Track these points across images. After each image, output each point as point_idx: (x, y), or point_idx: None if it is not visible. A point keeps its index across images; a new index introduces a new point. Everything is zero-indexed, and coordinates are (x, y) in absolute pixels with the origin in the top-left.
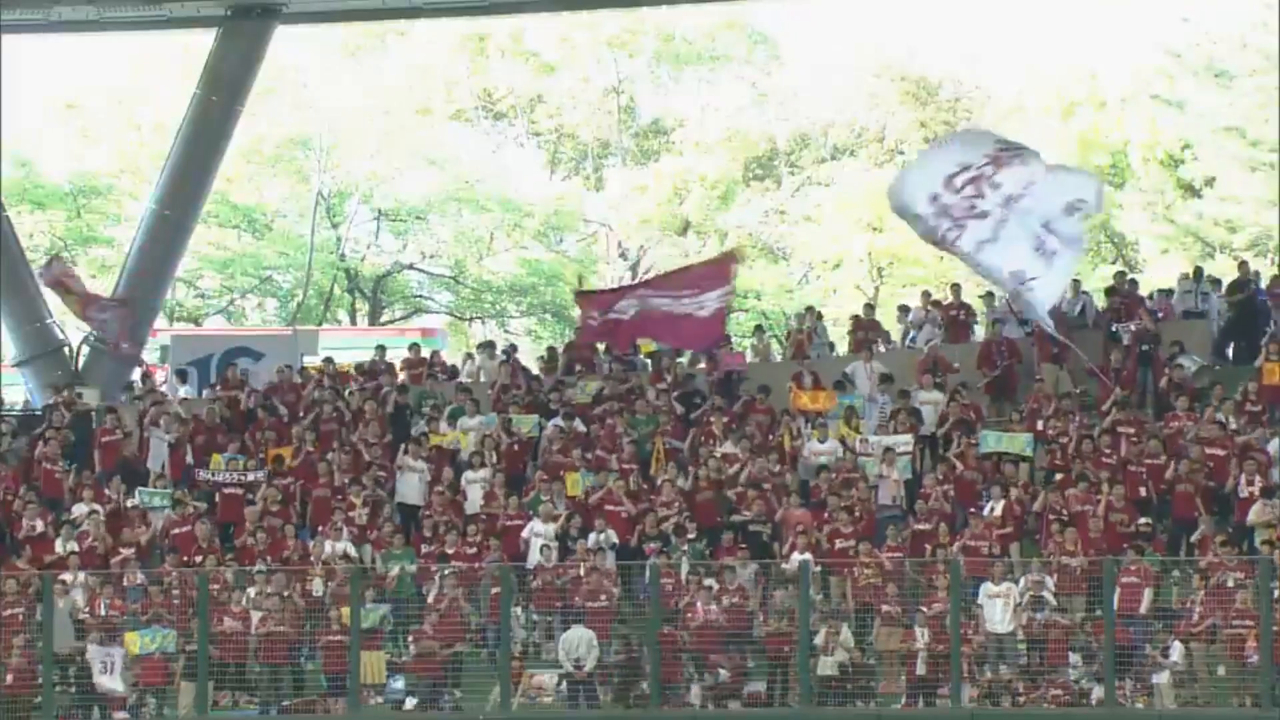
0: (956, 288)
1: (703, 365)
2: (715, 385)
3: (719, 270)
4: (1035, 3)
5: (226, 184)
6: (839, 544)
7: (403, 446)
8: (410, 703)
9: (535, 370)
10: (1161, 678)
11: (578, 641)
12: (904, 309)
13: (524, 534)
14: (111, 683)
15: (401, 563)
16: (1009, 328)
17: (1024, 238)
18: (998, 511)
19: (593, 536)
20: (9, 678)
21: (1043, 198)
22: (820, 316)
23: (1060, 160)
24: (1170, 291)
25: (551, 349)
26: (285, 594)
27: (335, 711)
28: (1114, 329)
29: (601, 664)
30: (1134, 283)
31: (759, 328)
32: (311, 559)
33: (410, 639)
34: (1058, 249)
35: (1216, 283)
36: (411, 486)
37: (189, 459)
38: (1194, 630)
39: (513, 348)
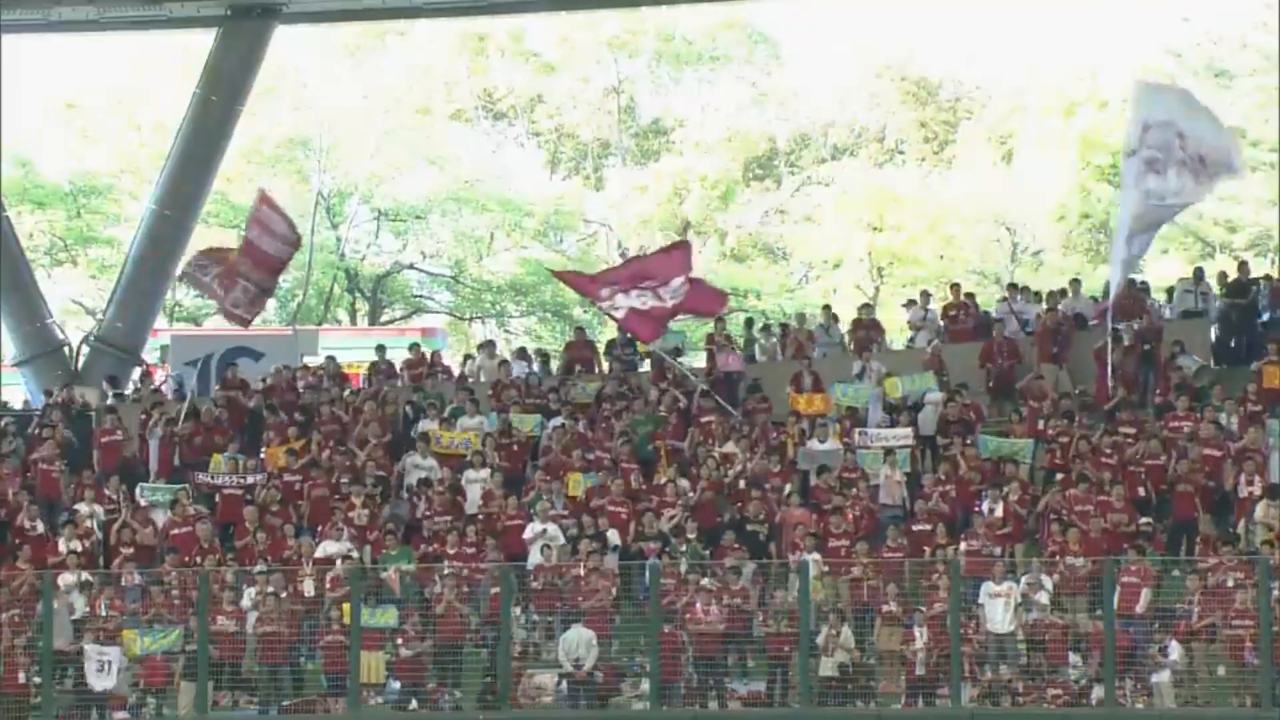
0: (956, 288)
1: (702, 366)
2: (713, 386)
3: (673, 260)
4: (1035, 2)
5: (226, 184)
6: (831, 544)
7: (417, 442)
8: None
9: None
10: (1162, 677)
11: (577, 641)
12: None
13: (525, 535)
14: (106, 682)
15: (399, 563)
16: (1009, 328)
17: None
18: (998, 512)
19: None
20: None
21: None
22: (837, 319)
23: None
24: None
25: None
26: (283, 594)
27: (335, 711)
28: (1116, 327)
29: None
30: (1132, 282)
31: (766, 326)
32: (301, 558)
33: (399, 641)
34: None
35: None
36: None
37: (176, 461)
38: (1193, 630)
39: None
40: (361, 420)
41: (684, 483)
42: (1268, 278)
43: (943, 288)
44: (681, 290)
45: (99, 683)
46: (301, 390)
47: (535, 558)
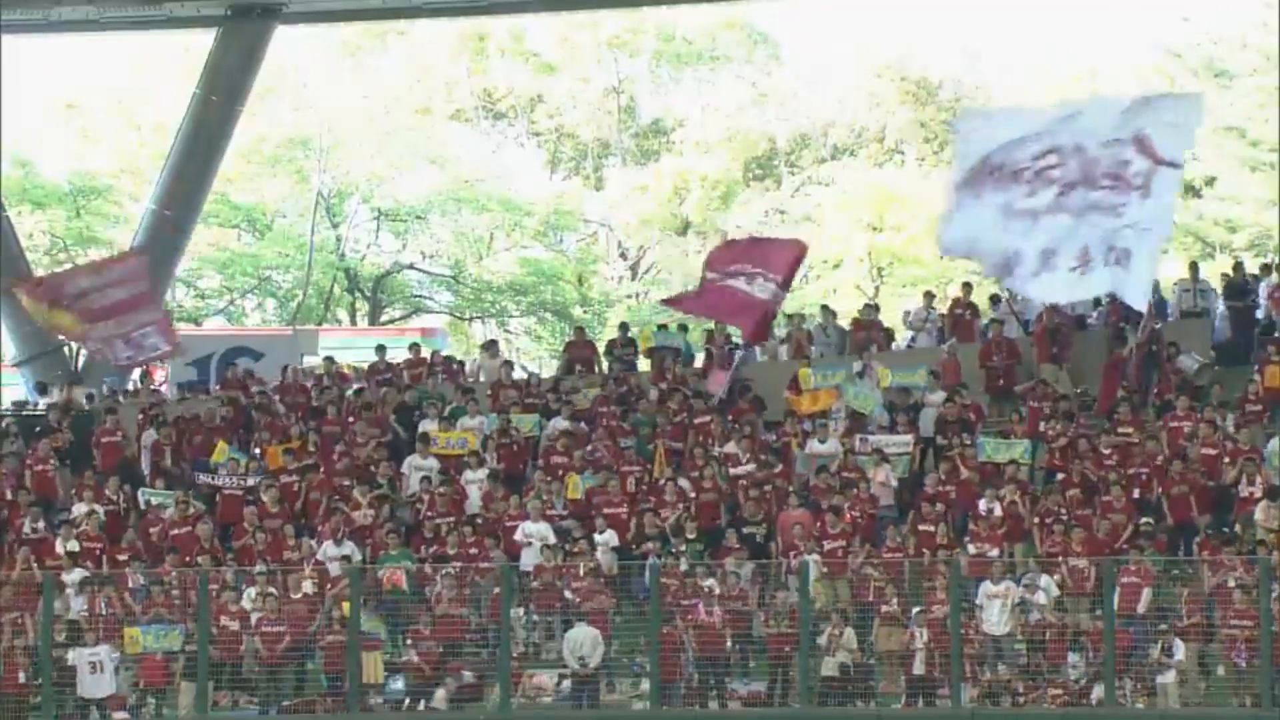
0: (968, 286)
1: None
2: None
3: (787, 257)
4: (1035, 2)
5: (226, 184)
6: (828, 545)
7: (416, 443)
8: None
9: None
10: (1167, 678)
11: (582, 639)
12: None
13: (517, 535)
14: (99, 686)
15: (399, 562)
16: (1009, 328)
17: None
18: (997, 511)
19: (595, 537)
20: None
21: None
22: (835, 315)
23: None
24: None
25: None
26: (296, 596)
27: (335, 711)
28: (1122, 328)
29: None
30: None
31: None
32: (301, 559)
33: (409, 640)
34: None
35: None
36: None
37: (168, 461)
38: (1182, 630)
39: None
40: (362, 420)
41: (684, 483)
42: (1265, 268)
43: (943, 288)
44: (771, 291)
45: (92, 689)
46: (312, 390)
47: (527, 557)
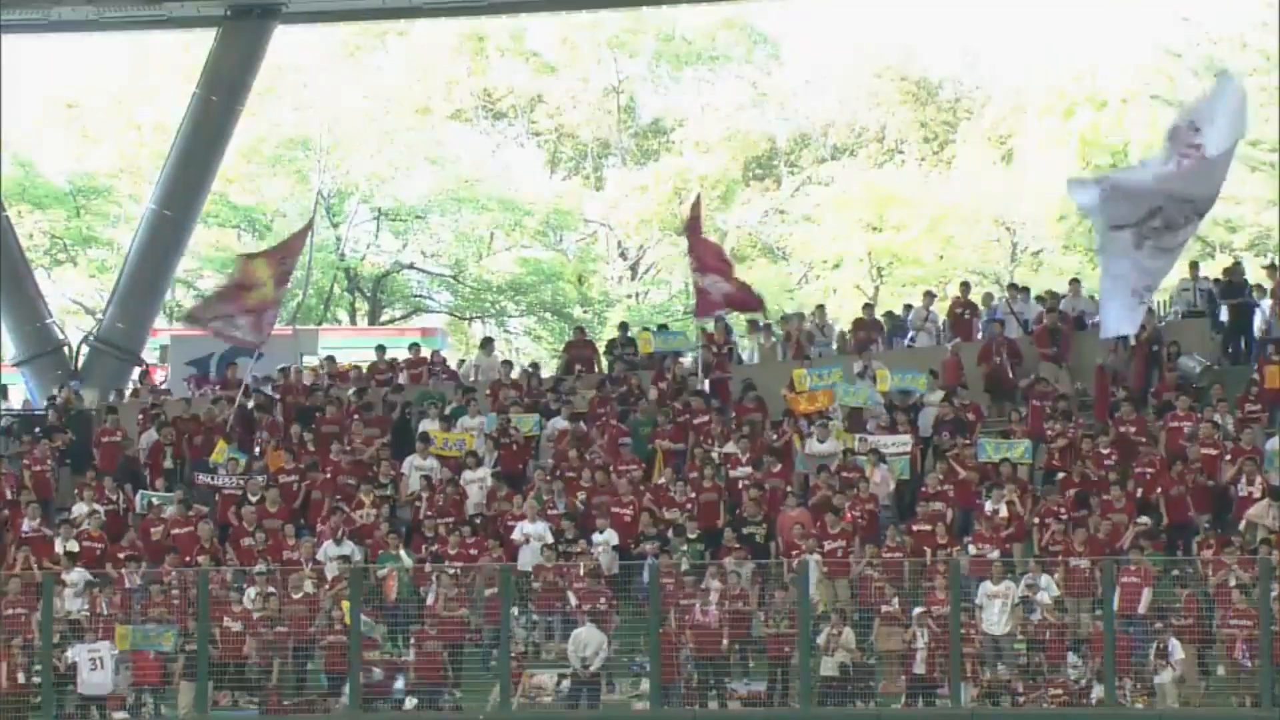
0: (966, 286)
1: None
2: (712, 387)
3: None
4: (1035, 3)
5: (226, 184)
6: (828, 545)
7: (417, 443)
8: (410, 703)
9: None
10: (1164, 678)
11: (588, 640)
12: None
13: (514, 535)
14: (100, 682)
15: (398, 562)
16: (1009, 328)
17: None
18: (1002, 512)
19: (594, 536)
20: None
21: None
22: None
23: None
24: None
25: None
26: (297, 595)
27: (335, 711)
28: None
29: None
30: None
31: (767, 325)
32: (300, 559)
33: (412, 640)
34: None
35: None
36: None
37: (168, 462)
38: (1179, 631)
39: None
40: (363, 420)
41: (684, 483)
42: (1259, 287)
43: (942, 288)
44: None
45: (93, 685)
46: (311, 389)
47: (525, 557)
